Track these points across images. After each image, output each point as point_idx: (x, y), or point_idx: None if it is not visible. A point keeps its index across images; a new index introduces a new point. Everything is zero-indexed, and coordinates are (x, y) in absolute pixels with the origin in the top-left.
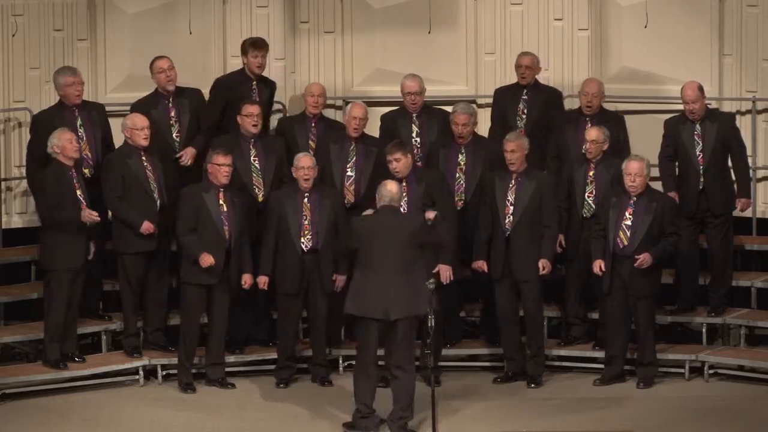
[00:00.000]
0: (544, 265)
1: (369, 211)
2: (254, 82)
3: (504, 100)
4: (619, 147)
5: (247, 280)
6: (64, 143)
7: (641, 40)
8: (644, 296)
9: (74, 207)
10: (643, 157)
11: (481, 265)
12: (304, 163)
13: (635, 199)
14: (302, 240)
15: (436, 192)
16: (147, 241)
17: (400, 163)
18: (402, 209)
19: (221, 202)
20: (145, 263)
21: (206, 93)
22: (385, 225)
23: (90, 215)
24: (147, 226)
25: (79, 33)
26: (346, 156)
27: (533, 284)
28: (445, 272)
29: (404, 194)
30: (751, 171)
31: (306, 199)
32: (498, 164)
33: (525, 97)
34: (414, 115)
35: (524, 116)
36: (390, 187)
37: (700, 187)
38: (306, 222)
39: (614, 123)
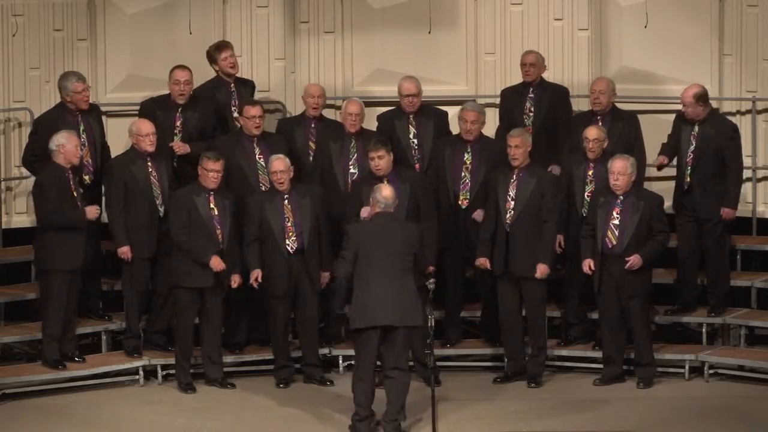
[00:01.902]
0: (541, 270)
1: (365, 214)
2: (232, 84)
3: (510, 100)
4: (630, 146)
5: (236, 279)
6: (69, 147)
7: (641, 40)
8: (636, 295)
9: (72, 209)
10: (628, 157)
11: (483, 262)
12: (277, 167)
13: (622, 198)
14: (287, 242)
15: (419, 192)
16: (147, 247)
17: (383, 160)
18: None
19: (212, 205)
20: (149, 266)
21: None
22: (381, 233)
23: (94, 211)
24: (124, 251)
25: (79, 33)
26: (347, 154)
27: (534, 281)
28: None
29: None
30: (751, 171)
31: (286, 201)
32: (503, 164)
33: (531, 95)
34: (411, 116)
35: (531, 114)
36: (385, 193)
37: (685, 188)
38: (289, 224)
39: (627, 122)
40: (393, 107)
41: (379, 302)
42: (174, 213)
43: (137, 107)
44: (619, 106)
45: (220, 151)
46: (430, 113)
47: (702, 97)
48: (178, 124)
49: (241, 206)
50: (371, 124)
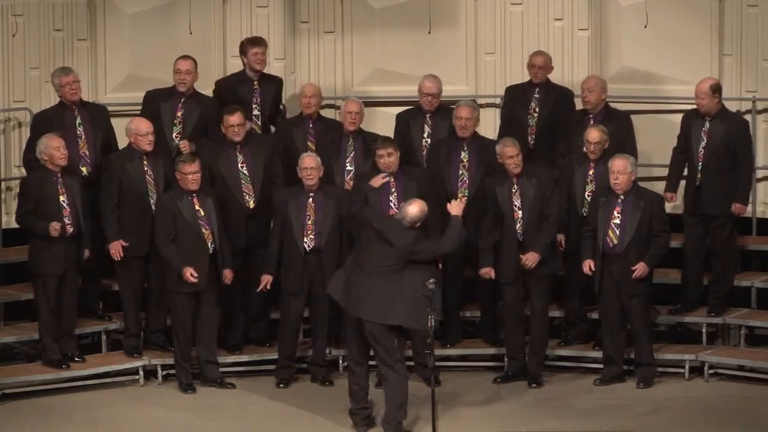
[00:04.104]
0: (530, 258)
1: (376, 183)
2: (255, 82)
3: (515, 98)
4: (621, 146)
5: (227, 275)
6: (51, 151)
7: (641, 40)
8: (637, 295)
9: (53, 215)
10: (628, 156)
11: (488, 271)
12: (307, 164)
13: (623, 197)
14: (305, 240)
15: (425, 191)
16: (141, 246)
17: (392, 158)
18: (393, 207)
19: (197, 207)
20: (143, 264)
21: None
22: (386, 231)
23: (54, 229)
24: (114, 245)
25: (79, 33)
26: (344, 152)
27: (544, 283)
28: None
29: (393, 190)
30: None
31: (311, 199)
32: (497, 163)
33: (537, 95)
34: (427, 115)
35: (536, 114)
36: (413, 212)
37: (697, 184)
38: (309, 222)
39: (619, 122)
40: (395, 107)
41: (355, 291)
42: (158, 219)
43: (137, 107)
44: (619, 106)
45: (200, 157)
46: (447, 114)
47: (717, 89)
48: (178, 114)
49: (268, 202)
50: (370, 123)
